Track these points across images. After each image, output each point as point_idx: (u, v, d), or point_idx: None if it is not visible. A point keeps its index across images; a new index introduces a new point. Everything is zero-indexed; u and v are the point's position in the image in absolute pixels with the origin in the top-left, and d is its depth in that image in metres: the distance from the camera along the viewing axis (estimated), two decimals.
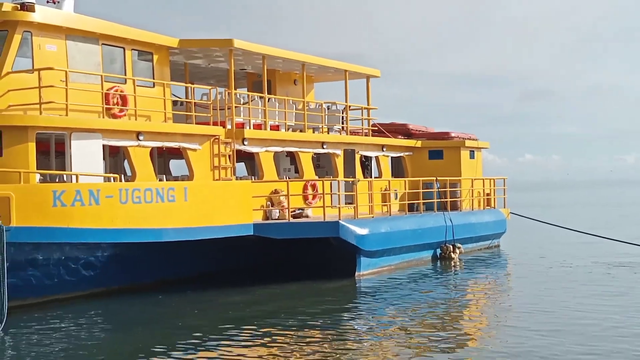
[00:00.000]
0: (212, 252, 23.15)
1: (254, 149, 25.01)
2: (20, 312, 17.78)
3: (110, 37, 22.06)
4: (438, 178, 29.58)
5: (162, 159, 26.84)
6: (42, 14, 20.30)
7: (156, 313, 18.62)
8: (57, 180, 20.16)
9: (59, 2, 22.00)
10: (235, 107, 24.89)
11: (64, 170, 20.03)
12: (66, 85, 20.06)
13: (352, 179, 25.93)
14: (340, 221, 23.05)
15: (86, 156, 20.03)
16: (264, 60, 26.29)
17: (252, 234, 22.97)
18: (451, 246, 27.89)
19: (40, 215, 18.09)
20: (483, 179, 33.23)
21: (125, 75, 22.34)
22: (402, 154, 32.23)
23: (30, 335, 15.96)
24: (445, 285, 22.88)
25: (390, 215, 26.79)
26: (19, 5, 19.93)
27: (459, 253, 27.98)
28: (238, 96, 26.06)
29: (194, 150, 23.11)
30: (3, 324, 16.29)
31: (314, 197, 26.02)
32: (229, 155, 24.07)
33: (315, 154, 28.00)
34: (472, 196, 31.75)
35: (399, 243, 25.59)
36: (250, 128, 25.36)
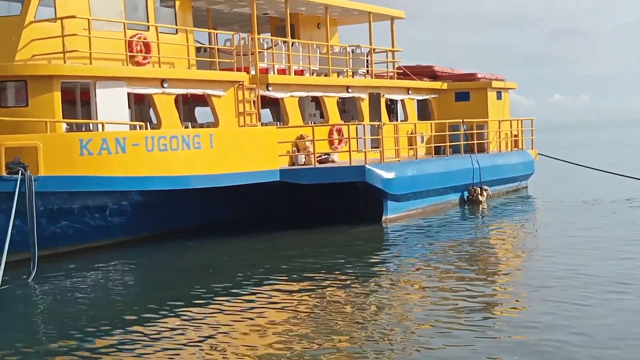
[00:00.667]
0: (238, 199, 23.19)
1: (278, 95, 24.87)
2: (50, 261, 17.98)
3: None
4: (465, 120, 29.32)
5: (187, 106, 26.78)
6: None
7: (186, 260, 18.76)
8: (83, 129, 20.21)
9: None
10: (259, 52, 24.69)
11: (90, 119, 20.06)
12: (89, 33, 19.96)
13: (378, 123, 25.75)
14: (366, 165, 22.97)
15: (111, 104, 20.02)
16: (286, 4, 25.98)
17: (278, 179, 22.97)
18: (478, 189, 27.73)
19: (67, 165, 18.15)
20: (510, 121, 32.89)
21: (148, 22, 22.18)
22: (428, 97, 31.93)
23: (60, 284, 16.16)
24: (473, 228, 22.83)
25: (416, 158, 26.64)
26: None
27: (487, 196, 27.83)
28: (261, 41, 25.82)
29: (219, 96, 23.01)
30: (34, 273, 16.50)
31: (339, 141, 25.90)
32: (254, 101, 23.95)
33: (340, 98, 27.80)
34: (500, 138, 31.46)
35: (426, 186, 25.48)
36: (274, 73, 25.18)
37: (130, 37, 21.31)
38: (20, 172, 17.00)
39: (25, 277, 16.35)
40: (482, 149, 29.99)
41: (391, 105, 30.84)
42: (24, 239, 16.91)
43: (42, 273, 16.64)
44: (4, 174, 17.01)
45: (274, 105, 28.26)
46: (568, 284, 14.06)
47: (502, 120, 31.85)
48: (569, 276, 14.74)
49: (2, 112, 18.57)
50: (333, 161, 25.17)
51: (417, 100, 31.55)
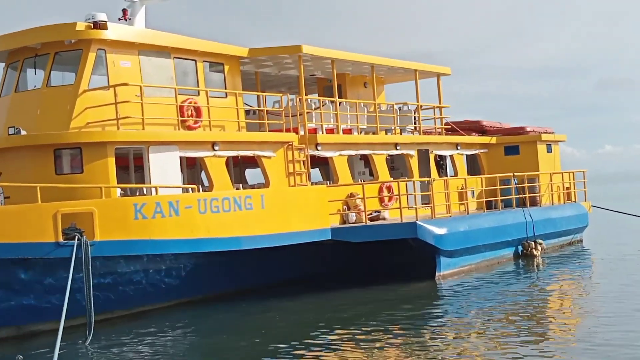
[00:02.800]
0: (290, 259, 23.20)
1: (327, 154, 25.02)
2: (106, 325, 18.10)
3: (182, 50, 22.35)
4: (515, 174, 29.12)
5: (237, 167, 27.07)
6: (114, 31, 20.69)
7: (240, 321, 18.74)
8: (137, 194, 20.50)
9: (130, 18, 22.43)
10: (307, 112, 24.94)
11: (143, 183, 20.36)
12: (141, 99, 20.39)
13: (428, 179, 25.71)
14: (417, 222, 22.86)
15: (164, 168, 20.32)
16: (333, 65, 26.29)
17: (329, 238, 22.97)
18: (533, 243, 27.37)
19: (122, 229, 18.39)
20: (562, 173, 32.57)
21: (198, 87, 22.61)
22: (477, 152, 31.83)
23: (116, 347, 16.23)
24: (528, 283, 22.46)
25: (468, 213, 26.47)
26: (92, 24, 20.32)
27: (541, 250, 27.45)
28: (309, 102, 26.11)
29: (269, 157, 23.22)
30: (90, 337, 16.62)
31: (389, 199, 25.87)
32: (303, 161, 24.12)
33: (389, 155, 27.86)
34: (552, 191, 31.14)
35: (479, 241, 25.24)
36: (322, 133, 25.37)
37: (182, 102, 21.70)
38: (76, 237, 17.27)
39: (81, 341, 16.48)
40: (534, 202, 29.67)
41: (440, 161, 30.79)
42: (81, 304, 17.10)
43: (98, 337, 16.75)
44: (61, 239, 17.28)
45: (323, 165, 28.41)
46: (618, 345, 13.72)
47: (553, 173, 31.56)
48: (619, 338, 14.35)
49: (58, 179, 18.96)
50: (384, 218, 25.11)
51: (466, 155, 31.47)
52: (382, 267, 25.70)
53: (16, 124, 19.52)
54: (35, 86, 20.76)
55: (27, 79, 21.04)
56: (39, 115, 20.14)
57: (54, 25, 20.55)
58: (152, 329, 18.09)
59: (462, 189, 27.57)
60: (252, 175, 28.69)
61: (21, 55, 21.04)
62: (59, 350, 14.83)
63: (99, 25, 20.29)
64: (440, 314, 18.17)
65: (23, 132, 18.98)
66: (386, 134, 28.20)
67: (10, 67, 21.48)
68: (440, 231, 23.40)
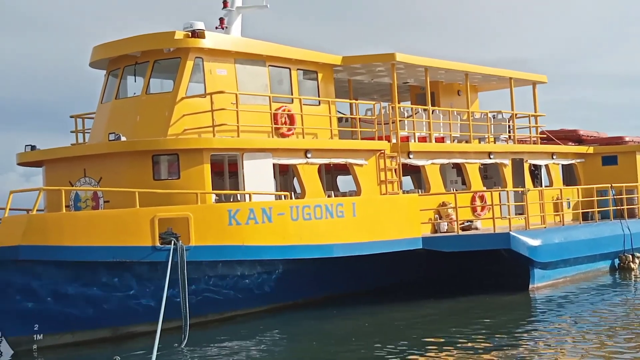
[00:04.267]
0: (381, 267, 23.16)
1: (419, 162, 24.89)
2: (200, 329, 18.42)
3: (277, 58, 22.62)
4: (613, 185, 28.38)
5: (329, 175, 27.19)
6: (212, 39, 21.09)
7: (330, 328, 18.81)
8: (231, 200, 20.82)
9: (227, 27, 22.83)
10: (400, 120, 24.88)
11: (238, 190, 20.66)
12: (237, 107, 20.71)
13: (522, 189, 25.29)
14: (511, 232, 22.52)
15: (258, 175, 20.58)
16: (426, 73, 26.16)
17: (420, 247, 22.85)
18: (630, 256, 26.62)
19: (216, 234, 18.70)
20: None
21: (292, 94, 22.83)
22: (573, 161, 31.14)
23: (211, 350, 16.52)
24: (625, 297, 21.85)
25: (563, 225, 25.91)
26: (190, 33, 20.78)
27: (639, 263, 26.65)
28: (402, 110, 26.04)
29: (361, 165, 23.26)
30: (185, 340, 16.95)
31: (482, 208, 25.56)
32: (395, 169, 24.06)
33: (482, 164, 27.54)
34: None
35: (574, 254, 24.67)
36: (415, 141, 25.26)
37: (276, 110, 21.95)
38: (172, 242, 17.65)
39: (177, 344, 16.83)
40: (632, 214, 28.85)
41: (535, 171, 30.27)
42: (176, 307, 17.47)
43: (193, 340, 17.07)
44: (158, 244, 17.70)
45: (415, 173, 28.28)
46: None
47: None
48: None
49: (156, 184, 19.42)
50: (476, 228, 24.82)
51: (562, 165, 30.83)
52: (473, 277, 25.40)
53: (116, 130, 20.07)
54: (134, 93, 21.34)
55: (127, 86, 21.63)
56: (138, 122, 20.68)
57: (153, 34, 21.08)
58: (244, 332, 18.33)
59: (557, 199, 27.05)
60: (343, 182, 28.78)
61: (122, 63, 21.65)
62: (158, 352, 15.18)
63: (197, 34, 20.72)
64: (533, 327, 17.83)
65: (123, 138, 19.51)
66: (479, 142, 27.88)
67: (111, 75, 22.13)
68: (535, 242, 22.99)
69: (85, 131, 24.13)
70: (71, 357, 16.83)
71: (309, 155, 21.89)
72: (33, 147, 21.15)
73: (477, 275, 25.32)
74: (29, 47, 77.01)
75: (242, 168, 20.43)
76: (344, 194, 24.91)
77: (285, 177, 25.65)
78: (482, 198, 25.63)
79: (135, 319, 18.31)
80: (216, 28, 22.60)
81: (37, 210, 17.66)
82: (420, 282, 24.90)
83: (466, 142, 27.27)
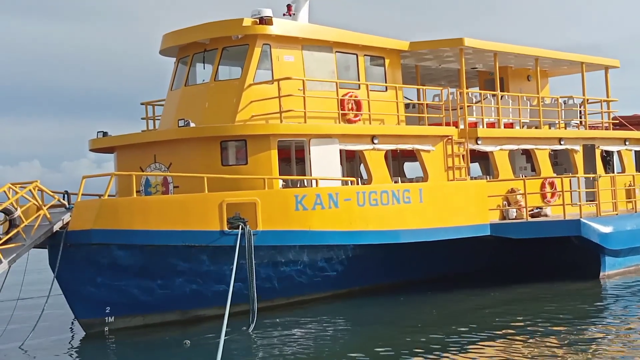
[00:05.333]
0: (448, 253, 23.04)
1: (488, 148, 24.62)
2: (267, 313, 18.62)
3: (344, 44, 22.60)
4: None
5: (396, 161, 27.10)
6: (279, 26, 21.19)
7: (396, 315, 18.81)
8: (298, 185, 20.94)
9: (294, 13, 22.89)
10: (468, 106, 24.63)
11: (304, 175, 20.77)
12: (304, 93, 20.77)
13: (593, 175, 24.82)
14: (582, 219, 22.15)
15: (325, 161, 20.64)
16: (495, 58, 25.83)
17: (489, 234, 22.64)
18: None
19: (283, 219, 18.85)
20: None
21: (359, 80, 22.80)
22: None
23: (278, 334, 16.70)
24: None
25: (635, 212, 25.36)
26: (258, 20, 20.91)
27: None
28: (470, 95, 25.78)
29: (428, 151, 23.12)
30: (253, 325, 17.16)
31: (552, 195, 25.18)
32: (463, 155, 23.85)
33: (552, 150, 27.10)
34: None
35: None
36: (483, 127, 24.98)
37: (342, 96, 21.95)
38: (240, 226, 17.86)
39: (245, 328, 17.05)
40: None
41: (607, 157, 29.67)
42: (244, 291, 17.69)
43: (260, 324, 17.27)
44: (226, 228, 17.93)
45: (483, 159, 27.99)
46: None
47: None
48: None
49: (224, 169, 19.64)
50: (546, 215, 24.47)
51: (635, 151, 30.13)
52: (542, 264, 25.06)
53: (186, 116, 20.35)
54: (203, 80, 21.59)
55: (197, 73, 21.89)
56: (207, 108, 20.93)
57: (222, 21, 21.28)
58: (310, 318, 18.46)
59: (629, 186, 26.47)
60: (410, 168, 28.65)
61: (191, 50, 21.91)
62: (226, 336, 15.40)
63: (264, 21, 20.83)
64: (603, 315, 17.55)
65: (192, 125, 19.77)
66: (550, 128, 27.43)
67: (181, 62, 22.43)
68: (606, 229, 22.58)
69: (156, 118, 24.53)
70: (142, 340, 17.18)
71: (375, 141, 21.85)
72: (105, 134, 21.60)
73: (546, 263, 24.97)
74: (99, 36, 78.58)
75: (309, 154, 20.51)
76: (410, 180, 24.81)
77: (351, 163, 25.65)
78: (552, 184, 25.24)
79: (204, 303, 18.61)
80: (284, 15, 22.68)
81: (108, 195, 18.08)
82: (488, 270, 24.68)
83: (536, 127, 26.86)
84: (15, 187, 17.91)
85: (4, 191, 17.71)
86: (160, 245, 17.74)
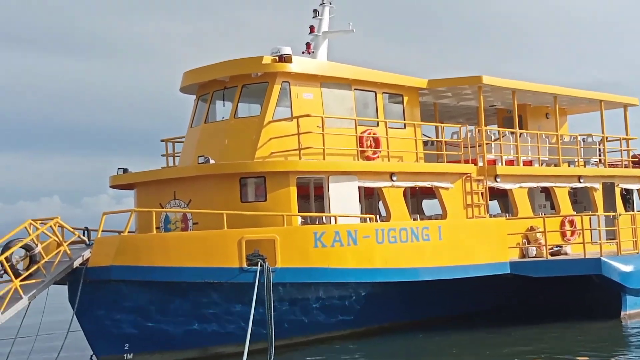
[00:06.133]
0: (466, 291, 22.90)
1: (507, 186, 24.58)
2: (284, 351, 18.51)
3: (362, 82, 22.72)
4: None
5: (414, 198, 27.07)
6: (299, 64, 21.35)
7: (416, 352, 18.67)
8: (317, 222, 20.94)
9: (313, 51, 23.09)
10: (486, 143, 24.65)
11: (323, 212, 20.77)
12: (322, 130, 20.87)
13: (614, 213, 24.67)
14: (602, 258, 21.99)
15: (343, 198, 20.64)
16: (513, 95, 25.88)
17: (508, 272, 22.50)
18: None
19: (302, 256, 18.82)
20: None
21: (378, 118, 22.87)
22: None
23: None
24: None
25: None
26: (277, 58, 21.08)
27: None
28: (488, 133, 25.80)
29: (447, 189, 23.10)
30: None
31: (572, 233, 25.02)
32: (482, 193, 23.80)
33: (571, 188, 27.01)
34: None
35: None
36: (502, 164, 24.97)
37: (361, 133, 22.01)
38: (259, 263, 17.84)
39: None
40: None
41: (627, 195, 29.51)
42: (262, 328, 17.62)
43: None
44: (245, 265, 17.91)
45: (502, 197, 27.91)
46: None
47: None
48: None
49: (243, 206, 19.66)
50: (566, 253, 24.31)
51: None
52: (562, 303, 24.85)
53: (205, 153, 20.46)
54: (223, 117, 21.73)
55: (216, 110, 22.05)
56: (226, 145, 21.04)
57: (242, 59, 21.47)
58: (329, 356, 18.34)
59: None
60: (428, 206, 28.61)
61: (211, 87, 22.10)
62: None
63: (284, 59, 20.99)
64: (625, 354, 17.34)
65: (212, 161, 19.87)
66: (569, 166, 27.36)
67: (201, 100, 22.61)
68: (627, 268, 22.39)
69: (175, 155, 24.67)
70: None
71: (394, 179, 21.86)
72: (125, 170, 21.73)
73: (566, 301, 24.77)
74: (120, 73, 79.45)
75: (328, 191, 20.53)
76: (429, 218, 24.75)
77: (370, 200, 25.65)
78: (571, 222, 25.10)
79: (223, 340, 18.54)
80: (303, 53, 22.88)
81: (128, 232, 18.14)
82: (507, 308, 24.47)
83: (555, 165, 26.80)
84: (36, 223, 18.01)
85: (25, 227, 17.81)
86: (179, 282, 17.73)
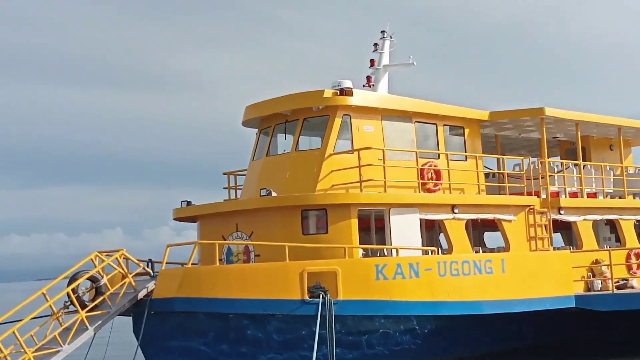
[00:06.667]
0: (532, 326, 22.54)
1: (571, 218, 24.24)
2: None
3: (423, 114, 22.72)
4: None
5: (476, 230, 26.84)
6: (359, 97, 21.47)
7: None
8: (378, 255, 20.89)
9: (374, 84, 23.21)
10: (550, 175, 24.36)
11: (384, 244, 20.72)
12: (384, 163, 20.89)
13: None
14: None
15: (405, 230, 20.59)
16: (577, 127, 25.59)
17: (573, 306, 22.10)
18: None
19: (364, 289, 18.76)
20: None
21: (439, 150, 22.82)
22: None
23: None
24: None
25: None
26: (338, 91, 21.24)
27: None
28: (551, 165, 25.50)
29: (509, 221, 22.87)
30: None
31: (638, 266, 24.50)
32: (545, 225, 23.50)
33: (637, 221, 26.49)
34: None
35: None
36: (565, 197, 24.64)
37: (422, 165, 21.97)
38: (321, 295, 17.85)
39: None
40: None
41: None
42: None
43: None
44: (307, 297, 17.94)
45: (566, 229, 27.50)
46: None
47: None
48: None
49: (305, 238, 19.74)
50: (632, 287, 23.79)
51: None
52: (629, 339, 24.26)
53: (267, 185, 20.64)
54: (285, 150, 21.93)
55: (278, 143, 22.26)
56: (288, 178, 21.20)
57: (303, 92, 21.68)
58: None
59: None
60: (490, 238, 28.33)
61: (273, 121, 22.34)
62: None
63: (345, 92, 21.14)
64: None
65: (274, 194, 20.03)
66: (634, 198, 26.87)
67: (263, 133, 22.86)
68: None
69: (237, 187, 24.92)
70: None
71: (456, 211, 21.73)
72: (189, 203, 22.01)
73: (632, 337, 24.18)
74: (183, 107, 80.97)
75: (389, 223, 20.50)
76: (491, 250, 24.50)
77: (431, 232, 25.51)
78: (637, 256, 24.59)
79: None
80: (363, 86, 23.02)
81: (191, 264, 18.34)
82: (573, 343, 23.99)
83: (620, 197, 26.35)
84: (102, 255, 18.34)
85: (91, 259, 18.15)
86: (242, 313, 17.84)
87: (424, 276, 19.50)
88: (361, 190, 20.43)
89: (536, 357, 21.99)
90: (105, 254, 18.53)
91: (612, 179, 26.68)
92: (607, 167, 26.85)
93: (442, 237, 24.85)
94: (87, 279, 17.77)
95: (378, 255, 20.87)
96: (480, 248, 24.25)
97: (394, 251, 20.04)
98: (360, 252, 20.15)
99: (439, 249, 23.25)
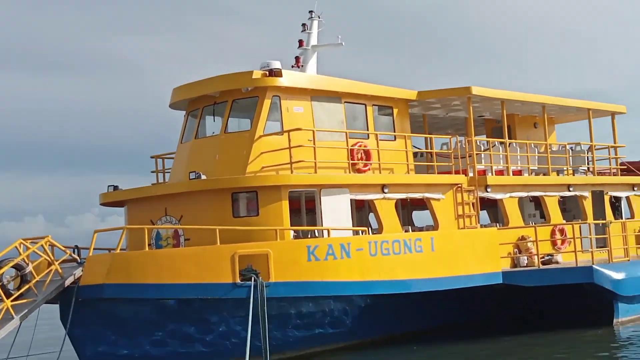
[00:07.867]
0: (458, 302, 22.90)
1: (497, 196, 24.63)
2: None
3: (352, 94, 22.75)
4: None
5: (405, 210, 27.08)
6: (288, 78, 21.36)
7: None
8: (309, 236, 20.89)
9: (303, 65, 23.11)
10: (476, 154, 24.69)
11: (315, 226, 20.73)
12: (314, 144, 20.85)
13: (604, 221, 24.76)
14: (594, 266, 22.05)
15: (335, 211, 20.62)
16: (503, 106, 25.96)
17: (500, 282, 22.52)
18: None
19: (296, 270, 18.76)
20: None
21: (368, 130, 22.89)
22: None
23: None
24: None
25: None
26: (267, 72, 21.08)
27: None
28: (478, 143, 25.85)
29: (438, 199, 23.11)
30: None
31: (562, 242, 25.10)
32: (473, 203, 23.84)
33: (561, 197, 27.09)
34: None
35: None
36: (492, 174, 25.02)
37: (352, 146, 22.02)
38: (253, 278, 17.78)
39: None
40: None
41: (615, 203, 29.62)
42: (257, 343, 17.55)
43: None
44: (238, 280, 17.85)
45: (492, 207, 27.96)
46: None
47: None
48: None
49: (235, 221, 19.60)
50: (557, 262, 24.36)
51: None
52: (554, 312, 24.88)
53: (196, 168, 20.40)
54: (213, 132, 21.70)
55: (206, 125, 22.01)
56: (217, 161, 20.99)
57: (231, 74, 21.45)
58: None
59: (639, 231, 26.40)
60: (419, 217, 28.65)
61: (201, 103, 22.07)
62: None
63: (274, 73, 20.99)
64: None
65: (203, 177, 19.81)
66: (558, 175, 27.46)
67: (191, 115, 22.57)
68: (619, 276, 22.46)
69: (166, 171, 24.58)
70: None
71: (385, 191, 21.86)
72: (116, 188, 21.63)
73: (559, 310, 24.80)
74: (107, 90, 79.21)
75: (320, 204, 20.49)
76: (420, 229, 24.76)
77: (360, 212, 25.64)
78: (562, 231, 25.17)
79: (217, 357, 18.44)
80: (292, 67, 22.91)
81: (120, 249, 18.05)
82: (500, 318, 24.49)
83: (544, 174, 26.89)
84: (27, 242, 17.90)
85: (16, 247, 17.70)
86: (172, 298, 17.65)
87: (355, 256, 19.59)
88: (292, 172, 20.37)
89: (465, 333, 22.36)
90: (30, 241, 18.09)
91: (536, 157, 27.19)
92: (532, 144, 27.35)
93: (372, 217, 24.98)
94: (12, 267, 17.31)
95: (309, 236, 20.89)
96: (409, 227, 24.45)
97: (325, 232, 20.08)
98: (292, 233, 20.10)
99: (369, 228, 23.36)
